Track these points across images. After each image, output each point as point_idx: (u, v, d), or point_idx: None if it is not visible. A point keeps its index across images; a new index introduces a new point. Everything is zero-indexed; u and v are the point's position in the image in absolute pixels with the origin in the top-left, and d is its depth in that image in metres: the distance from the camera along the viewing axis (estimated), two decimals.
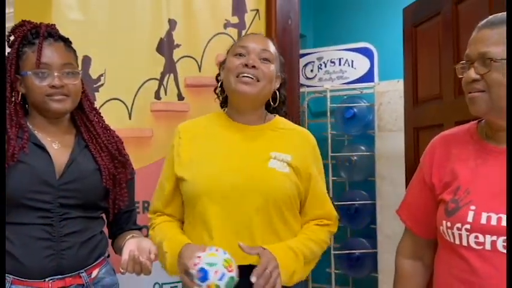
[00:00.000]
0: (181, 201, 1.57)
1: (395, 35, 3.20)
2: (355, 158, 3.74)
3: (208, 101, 2.14)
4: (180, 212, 1.59)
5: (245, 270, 1.30)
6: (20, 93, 1.48)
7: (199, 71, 2.28)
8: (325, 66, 3.92)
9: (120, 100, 2.11)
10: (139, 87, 2.17)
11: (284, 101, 1.65)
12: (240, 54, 1.51)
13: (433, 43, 2.58)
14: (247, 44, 1.53)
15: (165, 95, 2.23)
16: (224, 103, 1.66)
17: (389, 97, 3.61)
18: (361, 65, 3.79)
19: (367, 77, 3.77)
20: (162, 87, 2.22)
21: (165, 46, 2.21)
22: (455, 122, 2.26)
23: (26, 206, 1.39)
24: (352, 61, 3.82)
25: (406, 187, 2.73)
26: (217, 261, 1.26)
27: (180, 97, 2.25)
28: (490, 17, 1.26)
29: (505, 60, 1.19)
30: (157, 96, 2.21)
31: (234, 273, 1.27)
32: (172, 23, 2.23)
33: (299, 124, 2.19)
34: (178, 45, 2.24)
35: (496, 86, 1.21)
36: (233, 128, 1.56)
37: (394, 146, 3.43)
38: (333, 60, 3.89)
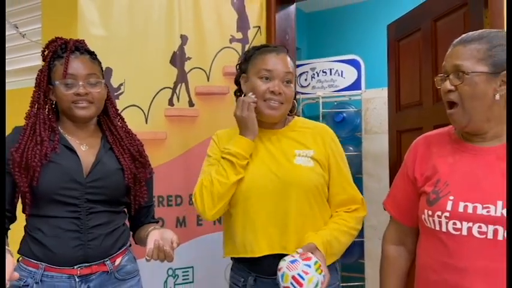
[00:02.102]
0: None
1: (380, 49, 3.16)
2: None
3: (215, 107, 2.22)
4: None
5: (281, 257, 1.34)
6: (52, 101, 1.47)
7: (208, 80, 2.26)
8: (318, 75, 3.89)
9: (138, 106, 2.10)
10: (155, 95, 2.16)
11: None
12: (266, 78, 1.48)
13: (414, 55, 2.57)
14: (272, 67, 1.48)
15: (178, 101, 2.21)
16: None
17: (375, 103, 3.58)
18: (350, 74, 3.76)
19: (355, 85, 3.74)
20: (174, 95, 2.21)
21: (178, 59, 2.20)
22: (434, 125, 2.25)
23: (57, 200, 1.37)
24: (342, 71, 3.78)
25: (390, 183, 2.72)
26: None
27: (191, 104, 2.23)
28: (463, 35, 1.26)
29: (474, 73, 1.18)
30: (170, 103, 2.19)
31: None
32: (184, 38, 2.22)
33: None
34: (189, 58, 2.23)
35: (467, 97, 1.20)
36: (261, 135, 1.53)
37: (379, 146, 3.43)
38: (324, 70, 3.87)
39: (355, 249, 3.66)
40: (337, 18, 4.13)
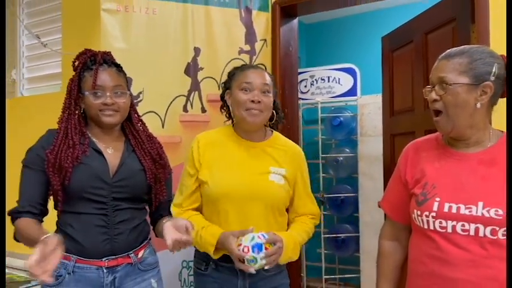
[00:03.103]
0: (200, 198, 1.60)
1: (374, 58, 3.14)
2: (341, 158, 3.71)
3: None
4: (199, 207, 1.62)
5: None
6: (82, 108, 1.49)
7: (219, 88, 2.25)
8: (317, 82, 3.90)
9: (155, 113, 2.12)
10: (171, 102, 2.18)
11: (278, 119, 1.66)
12: (246, 89, 1.54)
13: (406, 65, 2.56)
14: (251, 80, 1.54)
15: (191, 108, 2.23)
16: (229, 117, 1.69)
17: (370, 108, 3.57)
18: (346, 82, 3.77)
19: (351, 91, 3.75)
20: (188, 102, 2.23)
21: (191, 69, 2.22)
22: (425, 130, 2.24)
23: (86, 198, 1.39)
24: (339, 78, 3.79)
25: (384, 182, 2.73)
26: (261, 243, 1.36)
27: (203, 110, 2.26)
28: (447, 51, 1.28)
29: (457, 84, 1.20)
30: (184, 109, 2.22)
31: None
32: (197, 51, 2.24)
33: (296, 129, 2.21)
34: (201, 68, 2.25)
35: (450, 106, 1.22)
36: (241, 144, 1.60)
37: (373, 148, 3.41)
38: (323, 77, 3.88)
39: (351, 243, 3.68)
40: (334, 29, 4.10)
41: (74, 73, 1.49)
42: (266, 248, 1.36)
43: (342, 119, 3.74)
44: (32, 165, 1.42)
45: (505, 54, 1.28)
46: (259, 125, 1.58)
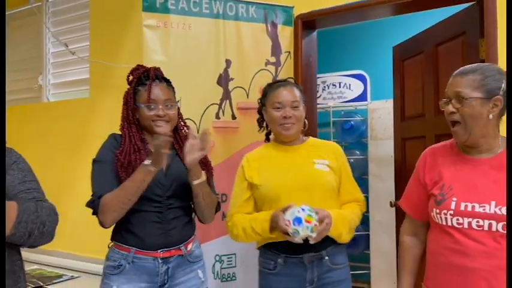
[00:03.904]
0: (253, 204, 1.74)
1: (383, 65, 3.24)
2: (352, 160, 3.69)
3: (253, 120, 2.21)
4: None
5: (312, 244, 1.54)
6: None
7: (247, 97, 2.39)
8: (328, 88, 3.97)
9: (191, 119, 2.21)
10: (205, 110, 2.30)
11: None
12: (278, 108, 1.70)
13: (417, 74, 2.65)
14: (281, 99, 1.70)
15: (223, 115, 2.35)
16: (263, 127, 1.85)
17: (379, 113, 3.64)
18: (357, 87, 3.84)
19: (362, 97, 3.81)
20: (220, 109, 2.35)
21: (223, 79, 2.34)
22: (435, 134, 2.39)
23: (145, 198, 1.52)
24: (350, 84, 3.86)
25: (395, 183, 2.83)
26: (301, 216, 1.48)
27: (233, 117, 2.37)
28: (462, 68, 1.39)
29: (472, 98, 1.31)
30: (217, 116, 2.34)
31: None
32: (228, 62, 2.36)
33: (315, 134, 2.31)
34: (232, 79, 2.37)
35: (467, 116, 1.34)
36: (284, 150, 1.76)
37: (383, 151, 3.49)
38: (334, 83, 3.94)
39: (361, 241, 3.70)
40: (345, 37, 4.13)
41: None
42: (307, 221, 1.47)
43: (352, 122, 3.82)
44: (103, 160, 1.55)
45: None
46: (294, 136, 1.74)
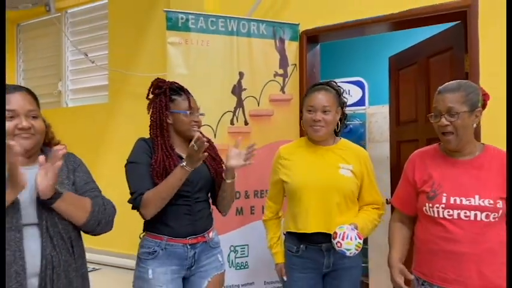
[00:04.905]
0: (283, 196, 1.93)
1: (381, 73, 3.41)
2: None
3: (264, 126, 2.55)
4: (281, 203, 1.97)
5: (329, 236, 1.70)
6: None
7: (258, 105, 2.57)
8: None
9: (209, 126, 2.41)
10: (221, 117, 2.48)
11: (341, 128, 1.91)
12: (310, 111, 1.82)
13: (410, 83, 2.82)
14: (314, 103, 1.81)
15: (237, 122, 2.53)
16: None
17: (377, 117, 3.71)
18: (356, 93, 3.88)
19: (360, 102, 3.86)
20: (234, 116, 2.52)
21: (237, 89, 2.51)
22: (427, 138, 2.56)
23: (178, 194, 1.66)
24: (349, 90, 3.86)
25: (391, 183, 2.99)
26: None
27: (246, 123, 2.54)
28: (446, 84, 1.53)
29: (462, 112, 1.46)
30: (231, 122, 2.52)
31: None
32: (241, 74, 2.54)
33: None
34: (245, 89, 2.54)
35: (460, 127, 1.49)
36: (314, 149, 1.87)
37: (380, 152, 3.54)
38: None
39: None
40: (345, 47, 4.23)
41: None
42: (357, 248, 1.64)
43: (351, 126, 3.94)
44: (138, 162, 1.68)
45: (483, 86, 1.59)
46: (323, 137, 1.84)
